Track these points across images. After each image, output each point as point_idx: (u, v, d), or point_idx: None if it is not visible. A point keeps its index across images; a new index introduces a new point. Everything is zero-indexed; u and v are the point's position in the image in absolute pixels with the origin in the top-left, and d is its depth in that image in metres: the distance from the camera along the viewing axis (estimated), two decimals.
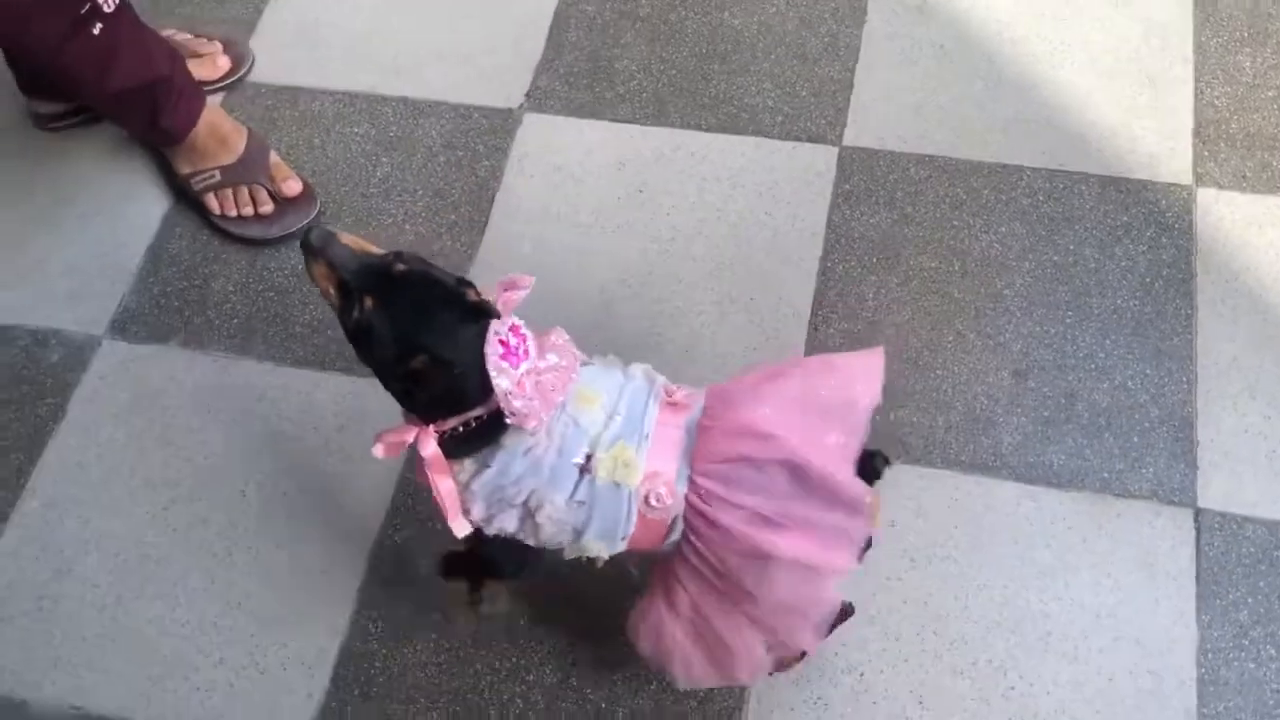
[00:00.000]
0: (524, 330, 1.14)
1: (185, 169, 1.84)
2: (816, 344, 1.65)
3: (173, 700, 1.46)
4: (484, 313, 1.10)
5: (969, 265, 1.71)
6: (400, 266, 1.10)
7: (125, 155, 1.94)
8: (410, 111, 1.95)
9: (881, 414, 1.56)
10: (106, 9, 1.61)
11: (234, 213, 1.82)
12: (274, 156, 1.85)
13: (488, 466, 1.14)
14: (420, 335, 1.09)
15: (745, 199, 1.80)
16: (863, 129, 1.85)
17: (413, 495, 1.57)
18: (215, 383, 1.71)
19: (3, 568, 1.58)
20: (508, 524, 1.17)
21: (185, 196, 1.87)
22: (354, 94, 1.97)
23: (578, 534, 1.16)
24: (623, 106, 1.92)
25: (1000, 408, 1.59)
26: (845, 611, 1.35)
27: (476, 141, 1.90)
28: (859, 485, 1.13)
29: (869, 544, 1.16)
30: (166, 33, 1.96)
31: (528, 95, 1.95)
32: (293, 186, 1.83)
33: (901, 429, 1.58)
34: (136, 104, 1.74)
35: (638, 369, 1.22)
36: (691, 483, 1.14)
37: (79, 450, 1.67)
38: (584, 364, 1.19)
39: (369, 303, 1.09)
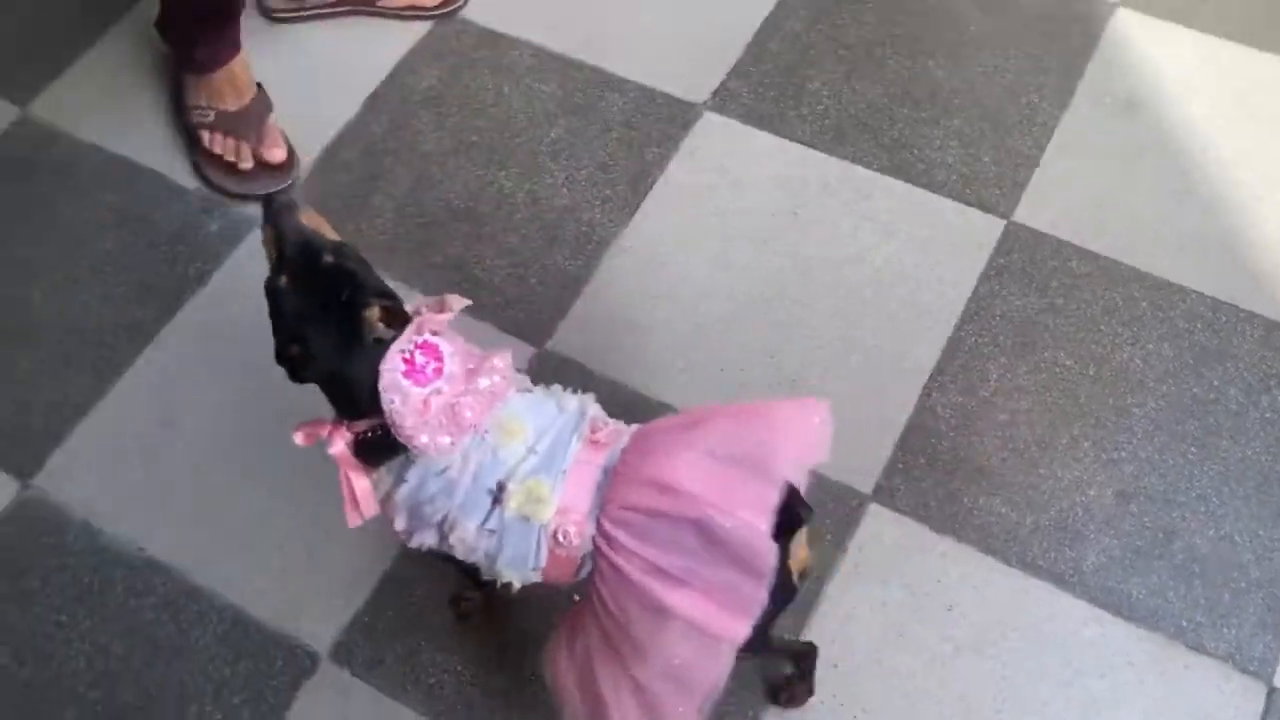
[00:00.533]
0: (443, 350, 1.12)
1: (192, 98, 1.89)
2: (925, 408, 1.62)
3: (225, 570, 1.54)
4: (360, 332, 1.09)
5: (1104, 373, 1.65)
6: (328, 259, 1.11)
7: (329, 51, 2.04)
8: (599, 82, 1.98)
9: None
10: None
11: (218, 151, 1.85)
12: (271, 119, 1.88)
13: (404, 480, 1.15)
14: (304, 326, 1.10)
15: (896, 247, 1.78)
16: (1036, 209, 1.80)
17: None
18: None
19: (114, 409, 1.69)
20: (428, 539, 1.18)
21: (181, 121, 1.92)
22: (552, 53, 2.02)
23: (490, 560, 1.16)
24: (802, 127, 1.91)
25: (1094, 524, 1.53)
26: (809, 654, 1.34)
27: (652, 126, 1.92)
28: (763, 545, 1.07)
29: (792, 595, 1.14)
30: None
31: (714, 94, 1.96)
32: (276, 154, 1.86)
33: (987, 516, 1.53)
34: (194, 23, 1.82)
35: (573, 400, 1.19)
36: (599, 526, 1.12)
37: (215, 314, 1.76)
38: (522, 391, 1.18)
39: (284, 279, 1.12)
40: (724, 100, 1.95)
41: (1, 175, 1.93)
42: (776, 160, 1.88)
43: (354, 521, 1.18)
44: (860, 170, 1.86)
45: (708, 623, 1.09)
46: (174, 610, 1.51)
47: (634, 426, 1.19)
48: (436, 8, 2.05)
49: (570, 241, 1.81)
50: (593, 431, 1.16)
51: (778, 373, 1.66)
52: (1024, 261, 1.75)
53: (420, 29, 2.05)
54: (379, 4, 2.03)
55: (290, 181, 1.88)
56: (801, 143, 1.89)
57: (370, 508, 1.17)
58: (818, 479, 1.54)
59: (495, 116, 1.95)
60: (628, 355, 1.69)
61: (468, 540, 1.15)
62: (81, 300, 1.79)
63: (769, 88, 1.96)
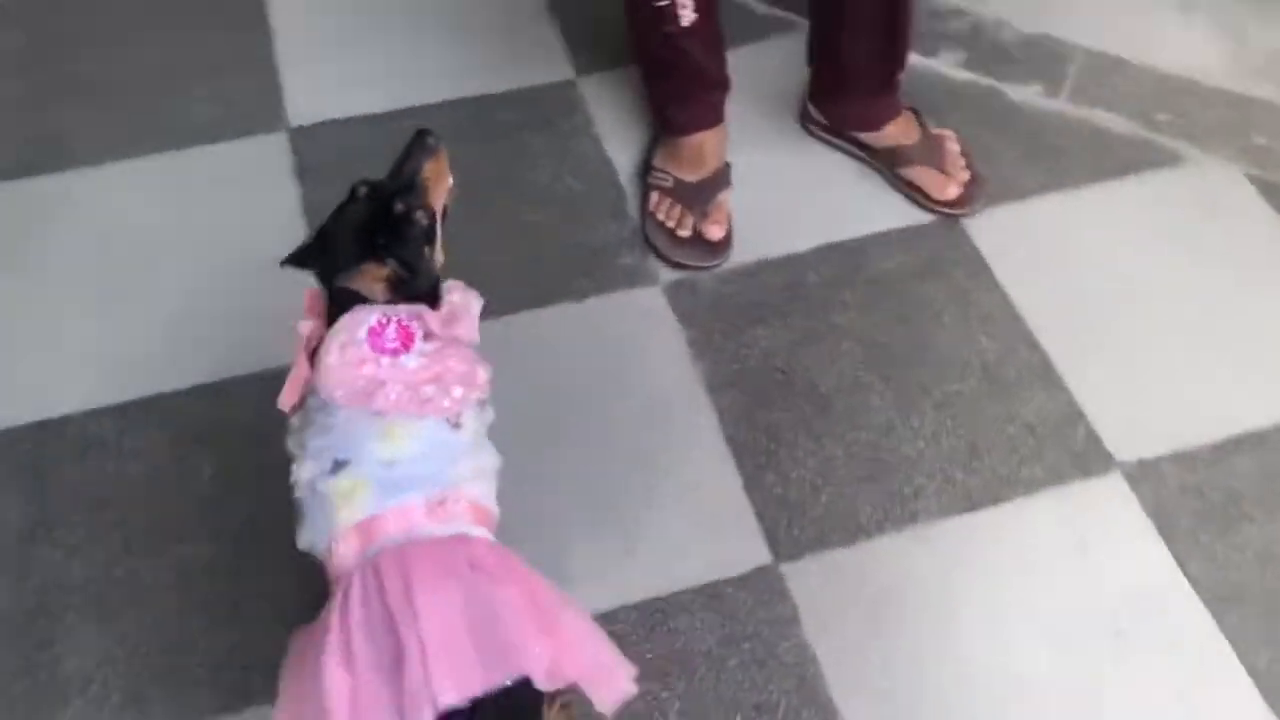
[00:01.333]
0: (416, 345, 1.15)
1: (658, 160, 1.94)
2: None
3: None
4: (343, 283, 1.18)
5: None
6: (399, 207, 1.19)
7: (829, 183, 2.00)
8: (1039, 370, 1.77)
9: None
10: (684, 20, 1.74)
11: (660, 217, 1.88)
12: (723, 197, 1.90)
13: (312, 394, 1.19)
14: (339, 231, 1.20)
15: (1149, 679, 1.45)
16: None
17: None
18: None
19: None
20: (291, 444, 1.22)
21: (642, 174, 1.97)
22: (1016, 313, 1.83)
23: (299, 513, 1.17)
24: (1199, 561, 1.58)
25: None
26: None
27: (1051, 447, 1.69)
28: (425, 708, 0.99)
29: None
30: (945, 131, 1.95)
31: (1142, 462, 1.67)
32: (715, 232, 1.87)
33: None
34: (656, 79, 1.91)
35: (468, 467, 1.18)
36: (351, 574, 1.09)
37: (569, 334, 1.81)
38: (454, 426, 1.17)
39: (363, 189, 1.21)
40: (1146, 475, 1.66)
41: (528, 120, 2.09)
42: (1147, 571, 1.58)
43: (285, 404, 1.22)
44: (1226, 648, 1.51)
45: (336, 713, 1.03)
46: None
47: (472, 531, 1.15)
48: (943, 204, 1.93)
49: (884, 493, 1.65)
50: (440, 502, 1.13)
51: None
52: None
53: (918, 216, 1.95)
54: (898, 170, 1.96)
55: (718, 262, 1.89)
56: (1187, 575, 1.57)
57: (295, 393, 1.21)
58: None
59: (917, 333, 1.81)
60: (837, 636, 1.51)
61: (300, 478, 1.17)
62: (480, 245, 1.87)
63: (1200, 498, 1.64)
